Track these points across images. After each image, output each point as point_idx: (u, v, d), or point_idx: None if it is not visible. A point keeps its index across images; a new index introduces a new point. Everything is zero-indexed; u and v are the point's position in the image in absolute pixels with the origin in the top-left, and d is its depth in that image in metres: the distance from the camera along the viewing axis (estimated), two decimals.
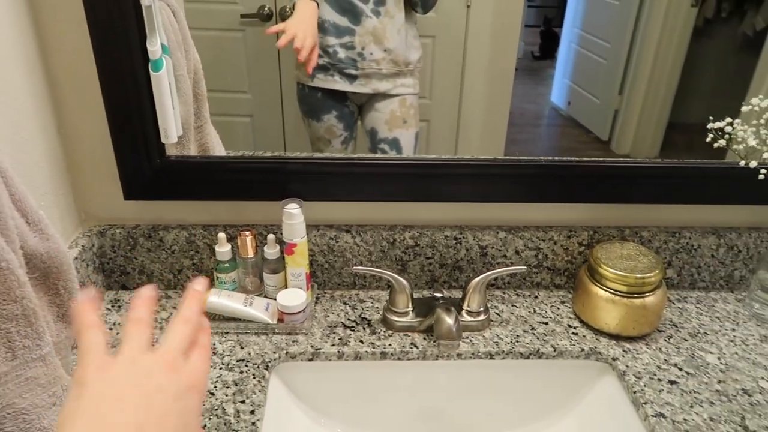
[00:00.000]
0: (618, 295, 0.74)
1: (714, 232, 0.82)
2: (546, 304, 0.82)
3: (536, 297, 0.84)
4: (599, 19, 1.00)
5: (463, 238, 0.80)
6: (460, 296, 0.77)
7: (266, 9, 0.89)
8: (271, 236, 0.77)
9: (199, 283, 0.45)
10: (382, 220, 0.81)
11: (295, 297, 0.75)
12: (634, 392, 0.67)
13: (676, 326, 0.78)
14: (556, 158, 0.79)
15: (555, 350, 0.74)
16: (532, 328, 0.77)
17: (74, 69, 0.70)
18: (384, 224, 0.80)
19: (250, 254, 0.77)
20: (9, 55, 0.63)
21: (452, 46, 0.86)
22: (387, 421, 0.76)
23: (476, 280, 0.75)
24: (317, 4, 0.79)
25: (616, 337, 0.76)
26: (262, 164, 0.78)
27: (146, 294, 0.43)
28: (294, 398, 0.74)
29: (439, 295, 0.77)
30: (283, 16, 0.89)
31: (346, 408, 0.76)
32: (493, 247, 0.81)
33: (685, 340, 0.76)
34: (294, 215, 0.73)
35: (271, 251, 0.77)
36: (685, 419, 0.64)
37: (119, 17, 0.66)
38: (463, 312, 0.76)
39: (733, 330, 0.78)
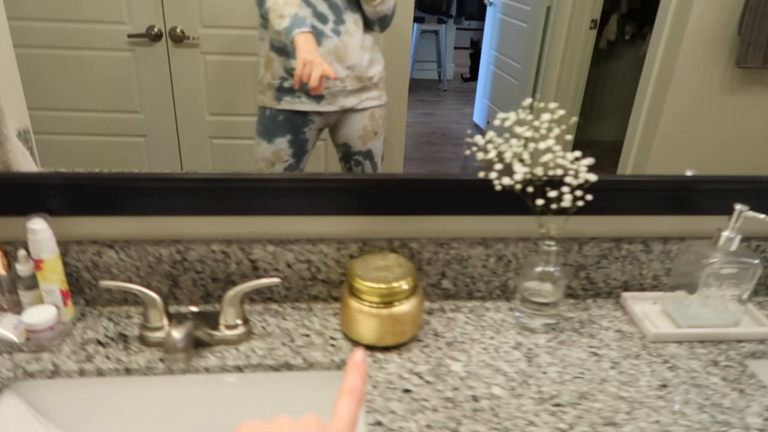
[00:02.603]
0: (372, 306, 0.75)
1: (482, 243, 0.84)
2: (318, 317, 0.82)
3: (311, 310, 0.84)
4: (511, 41, 1.04)
5: (231, 252, 0.81)
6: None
7: (155, 29, 0.89)
8: (22, 252, 0.75)
9: (359, 355, 0.43)
10: (147, 235, 0.81)
11: (42, 314, 0.73)
12: (367, 402, 0.68)
13: (438, 335, 0.80)
14: (322, 172, 0.81)
15: (306, 362, 0.74)
16: (292, 341, 0.77)
17: None
18: (149, 239, 0.80)
19: (1, 271, 0.76)
20: None
21: None
22: None
23: (229, 293, 0.75)
24: (313, 33, 0.81)
25: (372, 348, 0.77)
26: (17, 180, 0.77)
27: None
28: (41, 418, 0.73)
29: (195, 309, 0.77)
30: (174, 36, 0.90)
31: (98, 427, 0.74)
32: (263, 261, 0.82)
33: (440, 348, 0.77)
34: (37, 231, 0.72)
35: (23, 267, 0.75)
36: (401, 426, 0.65)
37: None
38: (221, 326, 0.76)
39: (492, 338, 0.80)
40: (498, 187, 0.72)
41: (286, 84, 0.85)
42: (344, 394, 0.40)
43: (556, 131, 0.71)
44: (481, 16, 1.09)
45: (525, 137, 0.71)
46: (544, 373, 0.74)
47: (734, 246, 0.77)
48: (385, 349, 0.76)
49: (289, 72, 0.84)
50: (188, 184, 0.78)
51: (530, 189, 0.71)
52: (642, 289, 0.89)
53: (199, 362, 0.73)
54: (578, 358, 0.76)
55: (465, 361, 0.75)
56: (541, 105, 0.74)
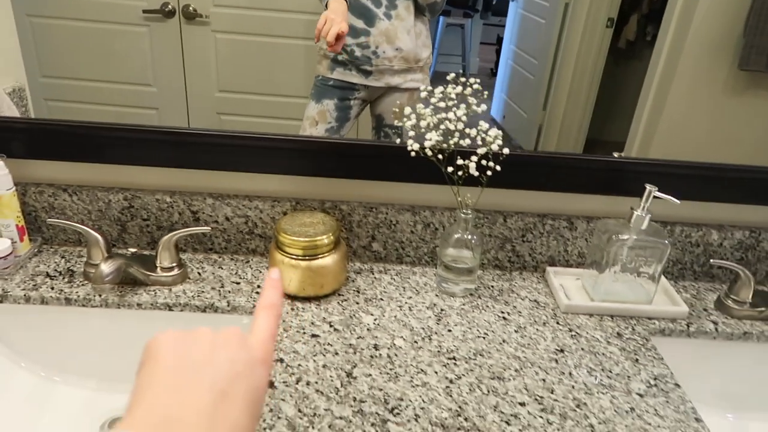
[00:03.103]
0: (293, 258, 0.80)
1: (409, 210, 0.88)
2: (252, 268, 0.88)
3: (248, 262, 0.90)
4: (530, 36, 1.07)
5: (174, 202, 0.87)
6: None
7: (169, 6, 0.96)
8: None
9: (275, 272, 0.46)
10: (98, 182, 0.88)
11: None
12: (278, 342, 0.74)
13: (359, 292, 0.85)
14: (260, 131, 0.86)
15: (229, 305, 0.80)
16: (222, 286, 0.83)
17: None
18: (101, 186, 0.87)
19: None
20: None
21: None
22: (82, 365, 0.82)
23: (164, 238, 0.81)
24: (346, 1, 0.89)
25: (293, 298, 0.82)
26: None
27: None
28: None
29: (133, 251, 0.84)
30: (186, 14, 0.97)
31: (43, 352, 0.82)
32: (203, 212, 0.88)
33: (357, 303, 0.82)
34: None
35: None
36: (299, 365, 0.70)
37: None
38: (157, 268, 0.83)
39: (410, 298, 0.84)
40: (413, 153, 0.76)
41: (340, 57, 0.92)
42: (262, 308, 0.42)
43: (472, 104, 0.76)
44: (507, 12, 1.11)
45: (438, 106, 0.75)
46: (449, 331, 0.78)
47: (644, 225, 0.80)
48: (306, 299, 0.82)
49: (343, 48, 0.91)
50: (137, 134, 0.84)
51: (441, 156, 0.76)
52: (569, 265, 0.93)
53: (132, 298, 0.80)
54: (486, 321, 0.80)
55: (377, 315, 0.80)
56: (462, 79, 0.78)
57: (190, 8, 0.92)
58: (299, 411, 0.64)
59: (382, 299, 0.84)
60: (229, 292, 0.82)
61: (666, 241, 0.80)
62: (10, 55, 0.97)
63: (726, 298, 0.86)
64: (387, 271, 0.90)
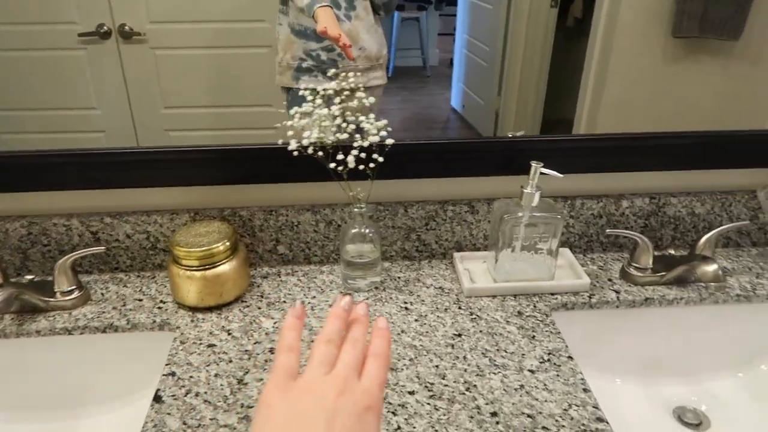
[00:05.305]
0: (188, 269, 0.80)
1: (310, 209, 0.88)
2: (157, 284, 0.88)
3: (154, 277, 0.90)
4: (480, 23, 1.07)
5: (72, 225, 0.86)
6: None
7: (105, 27, 0.94)
8: None
9: (382, 321, 0.48)
10: None
11: None
12: (169, 356, 0.73)
13: (263, 297, 0.85)
14: (151, 146, 0.86)
15: (129, 323, 0.80)
16: (124, 305, 0.83)
17: None
18: None
19: None
20: None
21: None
22: None
23: (59, 263, 0.81)
24: (331, 7, 0.89)
25: (194, 309, 0.82)
26: None
27: (344, 306, 0.48)
28: None
29: (30, 278, 0.84)
30: (123, 33, 0.96)
31: None
32: (104, 232, 0.87)
33: (259, 308, 0.82)
34: None
35: None
36: (191, 376, 0.70)
37: None
38: (57, 293, 0.82)
39: (314, 298, 0.84)
40: (295, 153, 0.76)
41: (305, 65, 0.92)
42: (372, 356, 0.45)
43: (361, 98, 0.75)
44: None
45: (313, 105, 0.75)
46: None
47: (535, 201, 0.80)
48: (208, 309, 0.82)
49: (308, 54, 0.91)
50: (28, 159, 0.83)
51: (321, 153, 0.76)
52: (476, 248, 0.93)
53: (31, 326, 0.79)
54: (387, 313, 0.81)
55: (278, 318, 0.80)
56: (342, 74, 0.78)
57: (126, 27, 0.92)
58: (184, 423, 0.64)
59: (285, 302, 0.83)
60: (131, 310, 0.82)
61: (558, 216, 0.81)
62: None
63: (628, 266, 0.86)
64: (294, 272, 0.90)
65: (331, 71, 0.82)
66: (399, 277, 0.89)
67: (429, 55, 1.12)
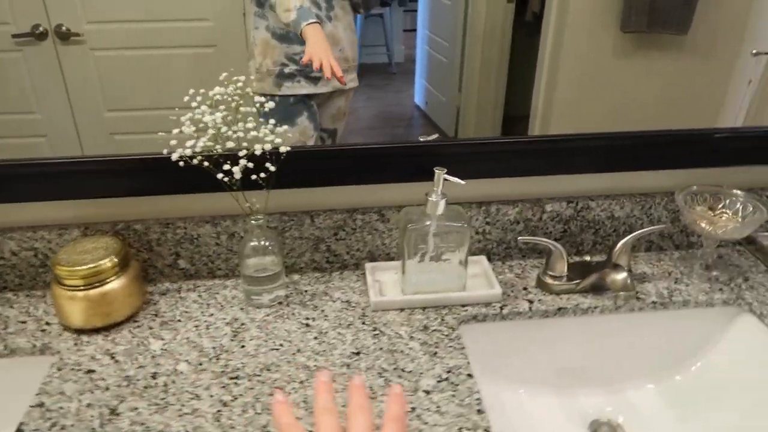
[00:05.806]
0: (71, 289, 0.74)
1: (209, 221, 0.83)
2: (46, 303, 0.82)
3: (44, 297, 0.83)
4: (440, 19, 1.03)
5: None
6: None
7: (40, 27, 0.88)
8: None
9: (397, 388, 0.54)
10: None
11: None
12: (42, 385, 0.68)
13: (158, 315, 0.80)
14: (37, 157, 0.80)
15: (6, 348, 0.74)
16: (5, 328, 0.77)
17: None
18: None
19: None
20: None
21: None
22: None
23: None
24: (319, 23, 0.84)
25: (79, 331, 0.76)
26: None
27: (325, 379, 0.53)
28: None
29: None
30: (59, 34, 0.89)
31: None
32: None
33: (151, 328, 0.77)
34: None
35: None
36: (61, 407, 0.65)
37: None
38: None
39: (211, 315, 0.79)
40: (181, 163, 0.71)
41: (287, 70, 0.87)
42: (390, 421, 0.49)
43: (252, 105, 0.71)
44: None
45: (197, 113, 0.70)
46: (243, 347, 0.73)
47: (440, 209, 0.76)
48: (95, 331, 0.77)
49: (291, 58, 0.86)
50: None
51: (207, 164, 0.71)
52: (390, 258, 0.89)
53: None
54: (286, 331, 0.76)
55: (168, 339, 0.75)
56: (234, 78, 0.73)
57: (63, 28, 0.86)
58: None
59: (179, 320, 0.79)
60: (11, 333, 0.76)
61: (464, 225, 0.77)
62: None
63: (544, 274, 0.83)
64: (196, 288, 0.85)
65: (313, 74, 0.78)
66: (306, 291, 0.84)
67: (394, 52, 1.09)
